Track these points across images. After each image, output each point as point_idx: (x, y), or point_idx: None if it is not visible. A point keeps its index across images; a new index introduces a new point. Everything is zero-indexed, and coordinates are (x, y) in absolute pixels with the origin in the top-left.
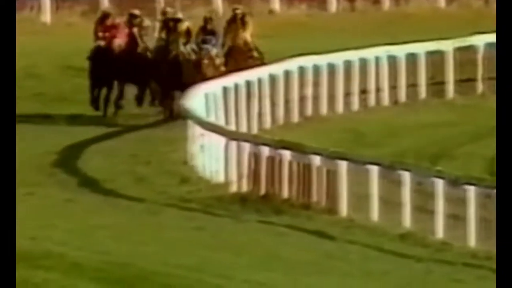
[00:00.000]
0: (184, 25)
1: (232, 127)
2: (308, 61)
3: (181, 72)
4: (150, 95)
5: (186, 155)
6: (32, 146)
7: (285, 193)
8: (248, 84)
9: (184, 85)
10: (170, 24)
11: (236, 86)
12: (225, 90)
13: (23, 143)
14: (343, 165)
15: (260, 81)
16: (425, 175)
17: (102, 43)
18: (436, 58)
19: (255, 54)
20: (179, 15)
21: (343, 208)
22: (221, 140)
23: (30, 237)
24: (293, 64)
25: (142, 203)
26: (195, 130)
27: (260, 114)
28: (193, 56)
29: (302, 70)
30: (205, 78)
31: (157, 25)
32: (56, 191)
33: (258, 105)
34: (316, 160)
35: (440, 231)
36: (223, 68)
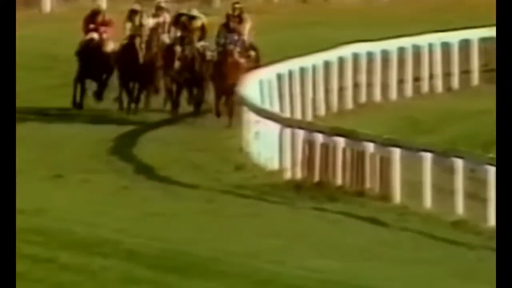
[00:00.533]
0: (199, 22)
1: (287, 114)
2: (362, 48)
3: (193, 69)
4: (165, 92)
5: (241, 142)
6: (87, 133)
7: (339, 180)
8: (302, 71)
9: (198, 81)
10: (182, 20)
11: (291, 73)
12: (279, 77)
13: (78, 130)
14: (396, 152)
15: (314, 67)
16: (478, 162)
17: (94, 36)
18: (489, 45)
19: (252, 53)
20: (194, 11)
21: (397, 195)
22: (275, 127)
23: (87, 224)
24: (347, 51)
25: (197, 190)
26: (250, 117)
27: (314, 101)
28: (209, 53)
29: (356, 57)
30: (228, 77)
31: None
32: (112, 178)
33: (312, 92)
34: (370, 147)
35: (492, 219)
36: (246, 66)
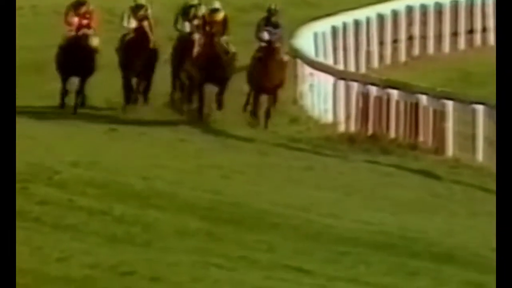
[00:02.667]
0: (220, 15)
1: (341, 66)
2: (415, 1)
3: (219, 65)
4: (180, 89)
5: (295, 94)
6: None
7: (392, 133)
8: (357, 23)
9: (222, 79)
10: (202, 13)
11: (345, 26)
12: (333, 29)
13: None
14: (449, 105)
15: (368, 20)
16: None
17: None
18: None
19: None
20: (216, 4)
21: (449, 148)
22: (329, 80)
23: (142, 176)
24: (400, 4)
25: (252, 143)
26: (304, 70)
27: (368, 54)
28: (233, 50)
29: (409, 9)
30: (273, 77)
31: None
32: (168, 131)
33: (366, 45)
34: (423, 99)
35: None
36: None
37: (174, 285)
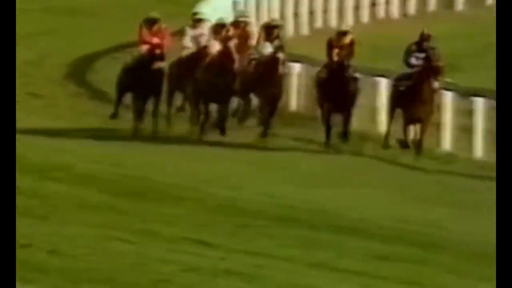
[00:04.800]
0: (348, 38)
1: None
2: None
3: (348, 94)
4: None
5: None
6: None
7: (294, 106)
8: None
9: (349, 108)
10: (329, 38)
11: (246, 0)
12: (234, 3)
13: None
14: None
15: None
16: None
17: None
18: None
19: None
20: (344, 26)
21: (355, 122)
22: None
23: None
24: None
25: None
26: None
27: None
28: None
29: None
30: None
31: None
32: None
33: (267, 18)
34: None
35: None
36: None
37: (73, 258)
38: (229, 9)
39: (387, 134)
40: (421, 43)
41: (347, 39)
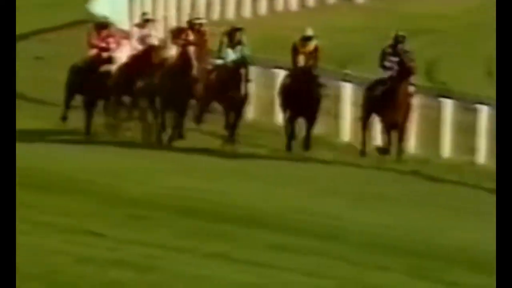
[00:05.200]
0: (312, 44)
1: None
2: None
3: (313, 100)
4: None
5: None
6: None
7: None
8: None
9: (313, 114)
10: (294, 44)
11: None
12: None
13: None
14: (252, 71)
15: None
16: (334, 78)
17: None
18: None
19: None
20: (309, 32)
21: (251, 112)
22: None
23: None
24: None
25: None
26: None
27: (165, 19)
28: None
29: None
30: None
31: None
32: None
33: (163, 9)
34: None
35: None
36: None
37: None
38: (125, 6)
39: (363, 141)
40: (396, 46)
41: (311, 45)
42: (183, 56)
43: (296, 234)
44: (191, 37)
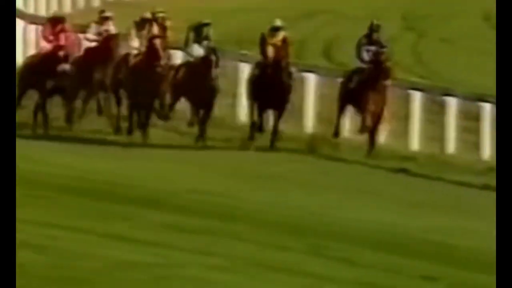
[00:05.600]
0: (281, 35)
1: (31, 9)
2: None
3: (284, 91)
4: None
5: None
6: None
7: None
8: None
9: (283, 105)
10: (262, 35)
11: None
12: None
13: None
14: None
15: None
16: (232, 58)
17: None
18: None
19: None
20: (278, 22)
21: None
22: (20, 23)
23: None
24: None
25: None
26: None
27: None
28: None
29: None
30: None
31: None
32: None
33: None
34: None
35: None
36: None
37: None
38: None
39: (337, 125)
40: (371, 35)
41: (279, 36)
42: (150, 49)
43: (192, 215)
44: (155, 29)
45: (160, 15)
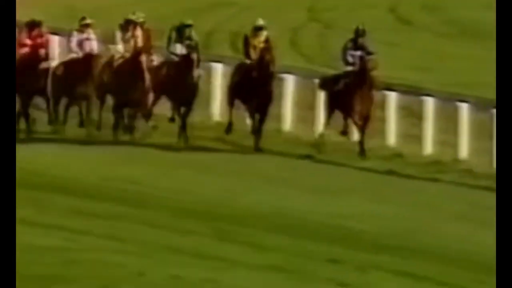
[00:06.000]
0: (263, 35)
1: None
2: None
3: (268, 92)
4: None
5: None
6: None
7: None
8: None
9: (266, 106)
10: (245, 35)
11: None
12: None
13: None
14: (55, 40)
15: None
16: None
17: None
18: None
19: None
20: (260, 21)
21: None
22: None
23: None
24: None
25: None
26: None
27: None
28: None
29: None
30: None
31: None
32: None
33: None
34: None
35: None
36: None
37: None
38: None
39: (322, 134)
40: (356, 39)
41: (262, 36)
42: (134, 52)
43: (104, 201)
44: (139, 32)
45: (142, 19)
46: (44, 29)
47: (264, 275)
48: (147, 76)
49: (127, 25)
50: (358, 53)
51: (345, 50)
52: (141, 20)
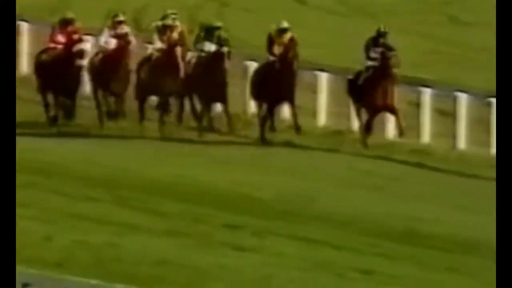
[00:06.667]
0: (288, 35)
1: None
2: None
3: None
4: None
5: None
6: None
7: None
8: None
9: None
10: (270, 35)
11: None
12: None
13: None
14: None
15: None
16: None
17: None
18: None
19: None
20: (285, 24)
21: None
22: None
23: None
24: None
25: None
26: None
27: None
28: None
29: None
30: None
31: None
32: None
33: None
34: None
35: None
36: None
37: None
38: None
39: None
40: (377, 39)
41: (286, 36)
42: (169, 52)
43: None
44: (175, 34)
45: (176, 22)
46: (77, 26)
47: (163, 239)
48: (181, 68)
49: (164, 28)
50: (380, 49)
51: (367, 47)
52: (176, 23)
